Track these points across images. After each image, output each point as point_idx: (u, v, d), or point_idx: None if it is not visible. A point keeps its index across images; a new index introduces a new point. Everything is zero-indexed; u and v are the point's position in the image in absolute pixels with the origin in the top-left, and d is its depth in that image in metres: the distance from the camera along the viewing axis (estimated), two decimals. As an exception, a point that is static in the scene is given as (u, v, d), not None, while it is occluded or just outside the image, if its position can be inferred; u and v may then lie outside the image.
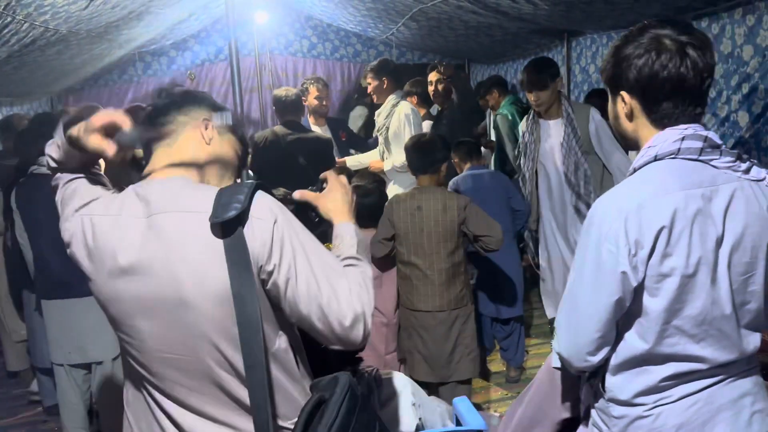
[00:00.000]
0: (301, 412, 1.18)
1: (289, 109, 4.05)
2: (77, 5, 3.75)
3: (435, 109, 5.38)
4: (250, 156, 3.99)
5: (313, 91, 4.51)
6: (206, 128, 1.37)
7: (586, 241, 1.35)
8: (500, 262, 3.67)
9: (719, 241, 1.30)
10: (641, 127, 1.38)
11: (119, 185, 1.40)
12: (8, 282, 3.79)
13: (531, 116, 3.81)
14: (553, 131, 3.68)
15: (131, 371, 1.33)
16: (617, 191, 1.36)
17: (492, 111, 5.51)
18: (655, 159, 1.34)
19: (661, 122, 1.35)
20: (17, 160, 3.61)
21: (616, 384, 1.39)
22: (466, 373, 3.00)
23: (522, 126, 3.94)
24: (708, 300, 1.30)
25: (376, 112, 4.72)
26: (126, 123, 1.23)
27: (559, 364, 1.52)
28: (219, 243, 1.16)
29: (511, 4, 4.29)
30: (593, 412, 1.47)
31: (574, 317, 1.37)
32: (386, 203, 3.11)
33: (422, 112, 4.94)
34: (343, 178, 1.52)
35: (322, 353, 1.41)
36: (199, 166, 1.33)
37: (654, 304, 1.30)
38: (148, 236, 1.21)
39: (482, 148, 4.38)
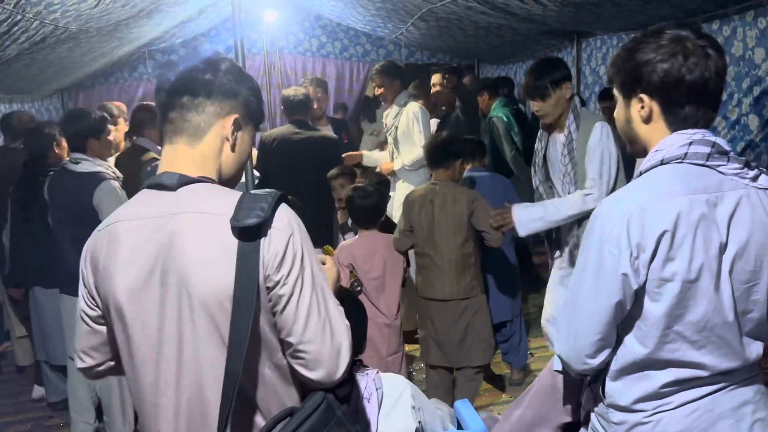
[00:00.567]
0: (268, 420, 1.19)
1: (296, 109, 4.06)
2: (87, 3, 3.77)
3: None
4: (255, 154, 4.00)
5: (310, 93, 4.51)
6: (235, 131, 1.28)
7: (589, 243, 1.34)
8: (494, 267, 3.65)
9: (722, 248, 1.28)
10: (657, 131, 1.36)
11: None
12: (6, 277, 3.80)
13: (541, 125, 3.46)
14: (560, 146, 2.97)
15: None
16: (621, 193, 1.35)
17: (482, 113, 5.47)
18: (662, 163, 1.32)
19: (679, 126, 1.34)
20: (25, 156, 3.65)
21: (616, 389, 1.38)
22: (477, 360, 3.12)
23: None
24: (710, 306, 1.29)
25: (384, 113, 4.73)
26: None
27: (560, 368, 1.51)
28: (234, 246, 1.14)
29: (520, 5, 4.27)
30: (593, 416, 1.46)
31: (575, 319, 1.36)
32: (404, 198, 3.27)
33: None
34: (329, 261, 1.44)
35: None
36: (219, 169, 1.29)
37: (655, 308, 1.29)
38: (160, 237, 1.18)
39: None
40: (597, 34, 5.43)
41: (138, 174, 3.43)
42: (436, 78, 4.95)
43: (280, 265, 1.16)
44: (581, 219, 2.84)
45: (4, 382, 4.32)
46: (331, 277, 1.39)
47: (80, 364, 1.37)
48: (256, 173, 3.90)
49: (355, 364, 1.78)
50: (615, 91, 1.43)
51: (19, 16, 3.50)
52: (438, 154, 3.16)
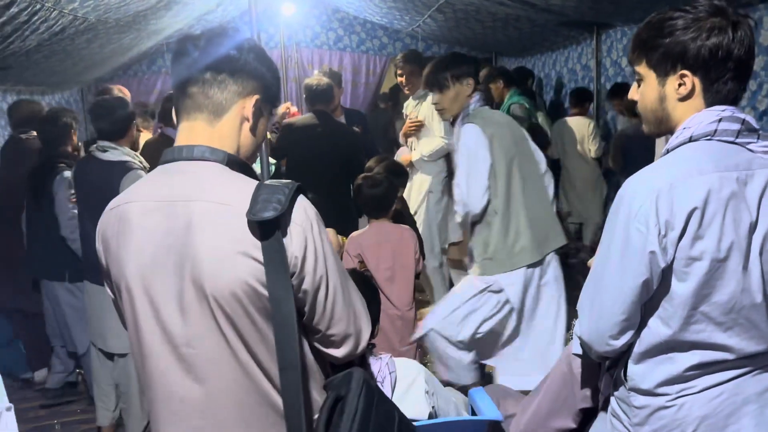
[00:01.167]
0: (320, 411, 1.16)
1: (319, 98, 4.03)
2: (105, -7, 3.79)
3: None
4: (272, 142, 3.99)
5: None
6: (256, 112, 1.24)
7: (614, 221, 1.30)
8: None
9: (753, 227, 1.24)
10: (692, 109, 1.31)
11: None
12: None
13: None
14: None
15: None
16: (649, 170, 1.30)
17: (495, 102, 5.38)
18: (690, 140, 1.28)
19: (717, 103, 1.29)
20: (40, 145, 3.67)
21: (638, 372, 1.34)
22: None
23: None
24: (738, 287, 1.25)
25: (405, 103, 4.67)
26: None
27: (579, 351, 1.47)
28: (249, 239, 1.10)
29: (539, -6, 4.22)
30: (613, 401, 1.42)
31: (598, 299, 1.32)
32: None
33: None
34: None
35: None
36: (237, 150, 1.24)
37: (681, 288, 1.25)
38: (173, 223, 1.15)
39: None
40: (617, 25, 5.35)
41: None
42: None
43: (303, 262, 1.13)
44: (474, 225, 2.85)
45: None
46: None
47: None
48: (271, 160, 3.89)
49: (368, 348, 1.75)
50: (641, 70, 1.36)
51: (38, 5, 3.52)
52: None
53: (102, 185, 2.89)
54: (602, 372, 1.50)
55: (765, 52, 3.63)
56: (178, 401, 1.18)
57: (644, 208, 1.24)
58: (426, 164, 4.38)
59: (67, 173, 3.34)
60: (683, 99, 1.31)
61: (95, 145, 3.08)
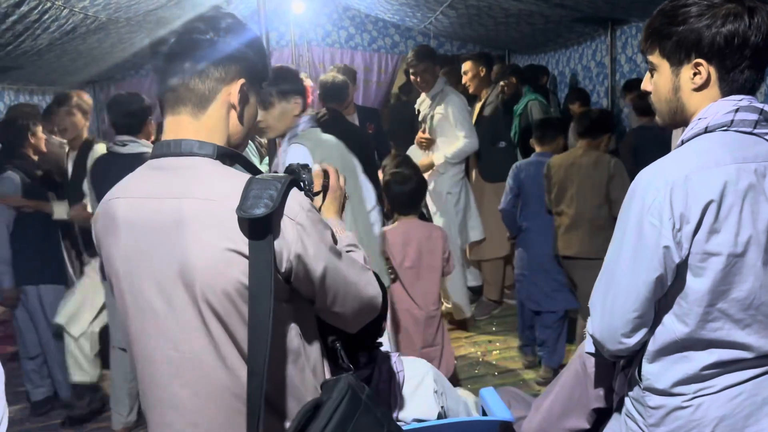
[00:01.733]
0: (296, 416, 1.11)
1: (332, 96, 3.95)
2: (115, -9, 3.79)
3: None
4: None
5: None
6: (242, 97, 1.18)
7: (627, 214, 1.25)
8: (549, 254, 3.57)
9: None
10: (707, 99, 1.26)
11: None
12: None
13: None
14: None
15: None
16: (663, 162, 1.25)
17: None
18: (706, 131, 1.24)
19: (733, 93, 1.24)
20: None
21: (653, 372, 1.29)
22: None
23: None
24: (756, 283, 1.20)
25: (418, 100, 4.59)
26: None
27: (592, 349, 1.43)
28: (241, 237, 1.06)
29: (552, -11, 4.16)
30: (627, 401, 1.38)
31: (610, 295, 1.28)
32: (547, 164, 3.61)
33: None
34: (342, 180, 1.45)
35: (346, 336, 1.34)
36: (227, 139, 1.19)
37: (697, 284, 1.20)
38: (162, 221, 1.11)
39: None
40: (632, 21, 5.27)
41: None
42: (466, 66, 4.78)
43: (302, 256, 1.09)
44: None
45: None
46: (333, 199, 1.39)
47: None
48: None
49: (376, 347, 1.72)
50: (654, 60, 1.32)
51: (48, 4, 3.53)
52: (594, 126, 3.46)
53: (113, 176, 2.88)
54: (616, 371, 1.45)
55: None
56: (169, 407, 1.15)
57: (658, 201, 1.19)
58: (450, 167, 4.29)
59: (11, 174, 3.35)
60: (698, 89, 1.26)
61: (114, 141, 3.08)
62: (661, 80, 1.31)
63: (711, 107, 1.25)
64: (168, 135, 1.17)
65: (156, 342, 1.13)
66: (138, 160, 2.89)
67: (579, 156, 3.47)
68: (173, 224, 1.09)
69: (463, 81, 4.77)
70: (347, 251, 1.27)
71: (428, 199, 4.16)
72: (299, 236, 1.09)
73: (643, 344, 1.30)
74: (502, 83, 5.09)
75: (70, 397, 3.53)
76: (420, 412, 1.66)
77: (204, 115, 1.16)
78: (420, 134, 4.44)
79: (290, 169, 1.40)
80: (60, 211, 3.45)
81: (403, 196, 2.97)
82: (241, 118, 1.20)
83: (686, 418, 1.26)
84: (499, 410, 1.82)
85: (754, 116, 1.22)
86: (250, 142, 3.95)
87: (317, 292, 1.15)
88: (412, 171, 3.11)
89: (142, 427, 3.18)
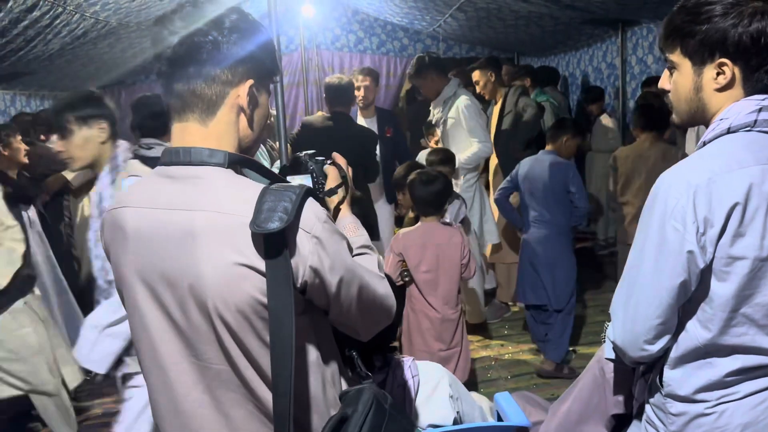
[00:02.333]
0: (323, 431, 1.08)
1: (338, 98, 3.92)
2: (126, -4, 3.80)
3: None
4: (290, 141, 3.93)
5: (354, 82, 4.37)
6: (251, 99, 1.13)
7: (649, 218, 1.22)
8: (553, 252, 3.60)
9: None
10: (730, 99, 1.23)
11: None
12: None
13: None
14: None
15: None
16: (685, 164, 1.23)
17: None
18: (728, 131, 1.21)
19: (760, 92, 1.21)
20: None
21: (675, 378, 1.26)
22: None
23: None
24: None
25: (432, 104, 4.54)
26: None
27: (612, 355, 1.40)
28: (254, 252, 1.02)
29: (563, -10, 4.14)
30: (648, 408, 1.35)
31: (633, 301, 1.25)
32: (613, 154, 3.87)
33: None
34: (350, 171, 1.40)
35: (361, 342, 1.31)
36: (237, 144, 1.14)
37: (722, 289, 1.18)
38: (172, 233, 1.06)
39: None
40: (643, 22, 5.24)
41: None
42: (476, 76, 4.73)
43: (318, 269, 1.05)
44: None
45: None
46: (350, 193, 1.35)
47: None
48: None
49: (391, 351, 1.70)
50: (674, 59, 1.28)
51: (60, 9, 3.54)
52: (659, 118, 3.61)
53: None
54: (636, 377, 1.42)
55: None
56: (190, 415, 1.13)
57: (681, 204, 1.16)
58: (466, 173, 4.25)
59: None
60: (721, 89, 1.23)
61: (138, 144, 3.06)
62: (681, 79, 1.28)
63: (733, 107, 1.22)
64: (176, 142, 1.13)
65: (173, 350, 1.11)
66: None
67: (646, 148, 3.66)
68: (183, 237, 1.05)
69: (477, 90, 4.75)
70: (360, 254, 1.25)
71: None
72: (315, 250, 1.04)
73: (665, 351, 1.27)
74: (517, 83, 5.05)
75: None
76: (435, 418, 1.64)
77: (212, 121, 1.11)
78: (432, 143, 4.42)
79: (298, 161, 1.34)
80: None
81: (430, 196, 2.94)
82: (251, 121, 1.15)
83: (709, 425, 1.23)
84: (515, 415, 1.79)
85: None
86: (261, 145, 3.94)
87: (332, 303, 1.11)
88: (438, 172, 3.09)
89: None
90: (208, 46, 1.07)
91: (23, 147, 3.62)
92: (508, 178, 3.85)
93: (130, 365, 2.10)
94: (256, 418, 1.11)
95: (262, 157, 3.96)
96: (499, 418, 1.85)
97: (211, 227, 1.04)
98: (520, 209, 3.86)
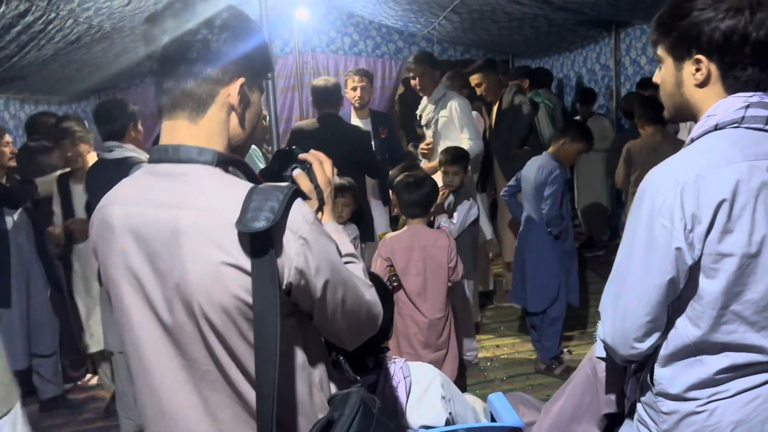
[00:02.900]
0: None
1: (325, 100, 3.91)
2: (119, 1, 3.79)
3: None
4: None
5: (350, 83, 4.38)
6: (243, 98, 1.11)
7: (637, 216, 1.23)
8: (536, 254, 3.60)
9: None
10: (711, 96, 1.23)
11: None
12: None
13: None
14: None
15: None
16: (673, 161, 1.23)
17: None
18: (716, 128, 1.21)
19: (738, 90, 1.22)
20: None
21: (666, 376, 1.26)
22: None
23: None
24: None
25: (420, 107, 4.56)
26: None
27: (603, 354, 1.40)
28: (239, 250, 1.01)
29: (556, -8, 4.15)
30: (639, 407, 1.35)
31: (622, 299, 1.25)
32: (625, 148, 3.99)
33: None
34: (330, 170, 1.32)
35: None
36: (227, 143, 1.13)
37: (710, 286, 1.18)
38: (158, 231, 1.06)
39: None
40: (636, 23, 5.26)
41: None
42: (475, 79, 4.75)
43: (304, 271, 1.04)
44: None
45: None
46: (330, 195, 1.29)
47: None
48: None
49: (383, 352, 1.70)
50: (660, 54, 1.30)
51: (53, 14, 3.54)
52: (652, 111, 3.70)
53: (111, 184, 2.89)
54: (628, 375, 1.42)
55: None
56: (177, 416, 1.12)
57: (668, 201, 1.16)
58: None
59: None
60: (700, 85, 1.24)
61: (102, 147, 3.12)
62: (666, 75, 1.30)
63: (721, 104, 1.22)
64: (165, 139, 1.12)
65: (161, 350, 1.10)
66: (124, 164, 2.93)
67: (659, 141, 3.76)
68: (170, 235, 1.04)
69: (479, 93, 4.81)
70: (347, 262, 1.22)
71: None
72: (302, 251, 1.03)
73: (655, 348, 1.27)
74: (513, 82, 5.06)
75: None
76: (427, 419, 1.64)
77: (202, 120, 1.10)
78: (422, 145, 4.44)
79: (281, 154, 1.30)
80: None
81: (417, 198, 2.94)
82: (242, 120, 1.14)
83: (701, 423, 1.23)
84: (509, 416, 1.79)
85: (766, 112, 1.19)
86: (256, 147, 3.93)
87: (316, 306, 1.10)
88: (425, 174, 3.09)
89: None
90: (198, 44, 1.06)
91: (9, 150, 3.59)
92: (515, 176, 3.86)
93: None
94: (242, 420, 1.10)
95: (257, 159, 3.95)
96: (493, 419, 1.85)
97: (198, 225, 1.03)
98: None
